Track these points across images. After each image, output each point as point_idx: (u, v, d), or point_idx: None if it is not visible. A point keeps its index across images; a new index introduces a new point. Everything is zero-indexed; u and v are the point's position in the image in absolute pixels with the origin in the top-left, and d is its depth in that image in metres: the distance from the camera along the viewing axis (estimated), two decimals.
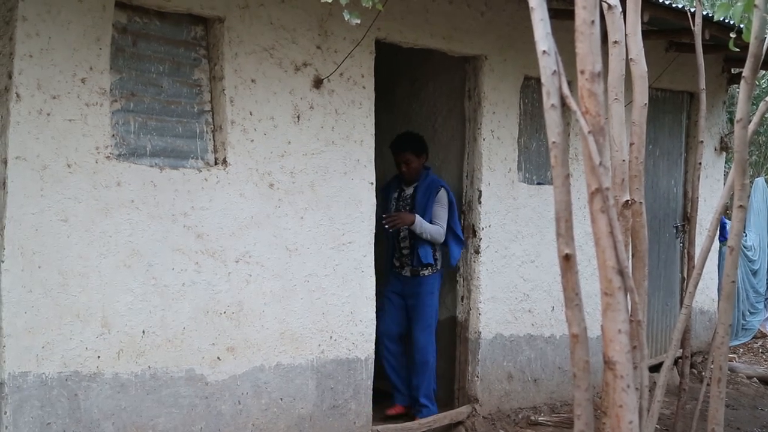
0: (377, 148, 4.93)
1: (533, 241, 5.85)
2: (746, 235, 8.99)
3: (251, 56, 4.21)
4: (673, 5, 5.40)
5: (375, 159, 4.87)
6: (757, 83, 10.41)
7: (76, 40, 3.60)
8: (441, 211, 5.32)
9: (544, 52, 1.94)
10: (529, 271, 5.78)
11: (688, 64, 6.49)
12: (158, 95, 3.98)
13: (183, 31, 4.09)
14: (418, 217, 5.28)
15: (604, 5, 2.50)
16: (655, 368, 6.40)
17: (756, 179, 9.62)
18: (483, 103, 5.46)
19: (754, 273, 9.18)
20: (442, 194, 5.33)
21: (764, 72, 9.81)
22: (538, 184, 5.98)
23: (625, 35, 2.77)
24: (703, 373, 5.83)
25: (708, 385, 4.55)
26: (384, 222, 5.31)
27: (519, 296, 5.76)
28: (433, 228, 5.30)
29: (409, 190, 5.45)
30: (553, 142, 1.95)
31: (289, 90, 4.38)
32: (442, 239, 5.32)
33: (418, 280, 5.40)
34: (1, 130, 3.45)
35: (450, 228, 5.34)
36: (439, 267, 5.43)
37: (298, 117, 4.42)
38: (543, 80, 1.96)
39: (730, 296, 2.98)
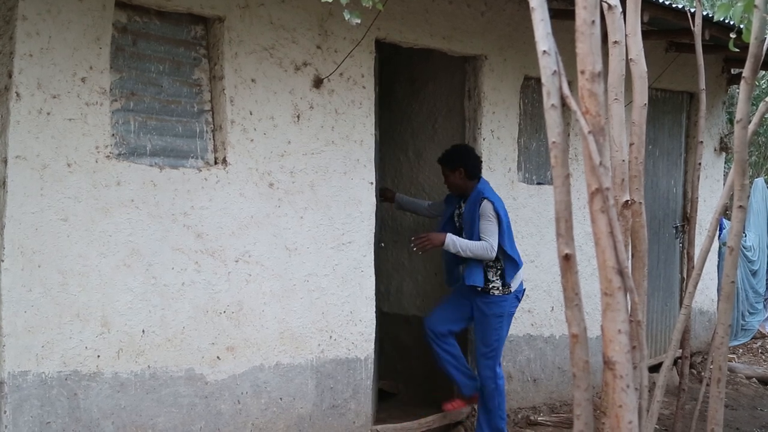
0: (377, 148, 4.93)
1: (533, 241, 5.85)
2: (746, 236, 9.00)
3: (251, 56, 4.21)
4: (673, 5, 5.40)
5: (375, 159, 4.87)
6: (757, 84, 10.41)
7: (76, 39, 3.60)
8: (487, 225, 4.90)
9: (544, 52, 1.94)
10: (529, 271, 5.78)
11: (688, 65, 6.51)
12: (158, 95, 3.98)
13: (183, 30, 4.09)
14: (449, 236, 4.93)
15: (605, 5, 2.50)
16: (654, 368, 6.41)
17: (755, 180, 9.62)
18: (483, 103, 5.47)
19: (754, 273, 9.18)
20: (486, 206, 4.92)
21: (764, 72, 9.81)
22: (538, 184, 5.98)
23: (625, 35, 2.77)
24: (703, 374, 5.84)
25: (707, 385, 4.55)
26: (412, 245, 5.08)
27: None
28: (474, 244, 4.90)
29: (464, 207, 5.15)
30: (553, 142, 1.95)
31: (289, 90, 4.38)
32: (490, 255, 4.89)
33: (487, 297, 5.03)
34: (1, 129, 3.45)
35: (499, 246, 4.93)
36: (512, 288, 5.02)
37: (298, 117, 4.42)
38: (543, 80, 1.96)
39: (730, 296, 2.97)
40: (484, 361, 5.04)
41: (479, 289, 5.07)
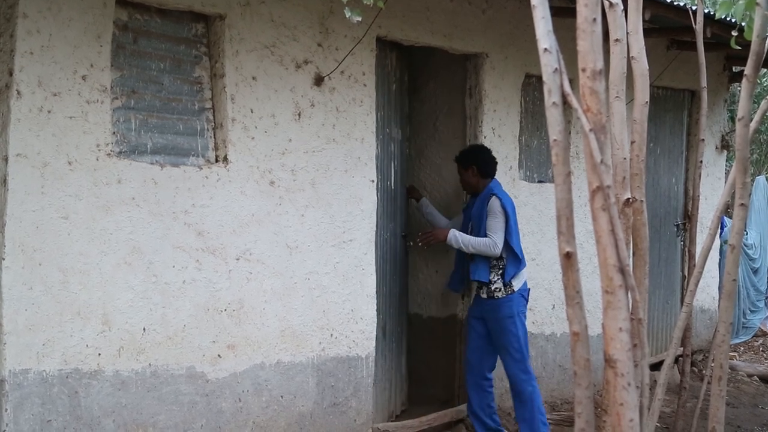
0: (403, 145, 4.90)
1: (534, 239, 5.85)
2: (747, 234, 8.99)
3: (252, 54, 4.21)
4: (675, 3, 5.39)
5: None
6: (759, 81, 10.40)
7: (77, 37, 3.60)
8: (493, 222, 4.93)
9: (545, 49, 1.94)
10: (530, 269, 5.77)
11: (690, 62, 6.49)
12: (159, 92, 3.98)
13: (184, 28, 4.08)
14: (451, 232, 5.01)
15: (606, 3, 2.50)
16: (655, 366, 6.41)
17: (757, 177, 9.63)
18: (484, 101, 5.46)
19: (755, 271, 9.18)
20: (493, 203, 4.96)
21: (766, 70, 9.80)
22: (539, 182, 5.97)
23: (627, 33, 2.76)
24: (704, 372, 5.84)
25: (709, 383, 4.55)
26: (418, 240, 5.21)
27: None
28: (477, 240, 4.95)
29: (474, 204, 5.17)
30: (555, 140, 1.94)
31: (290, 87, 4.37)
32: (493, 251, 4.92)
33: (493, 302, 5.02)
34: (1, 127, 3.45)
35: (505, 241, 4.96)
36: (515, 288, 5.01)
37: (299, 114, 4.42)
38: (544, 78, 1.95)
39: (731, 294, 2.97)
40: (515, 364, 4.96)
41: (484, 297, 5.06)
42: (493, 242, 4.92)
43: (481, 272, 5.00)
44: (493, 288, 5.02)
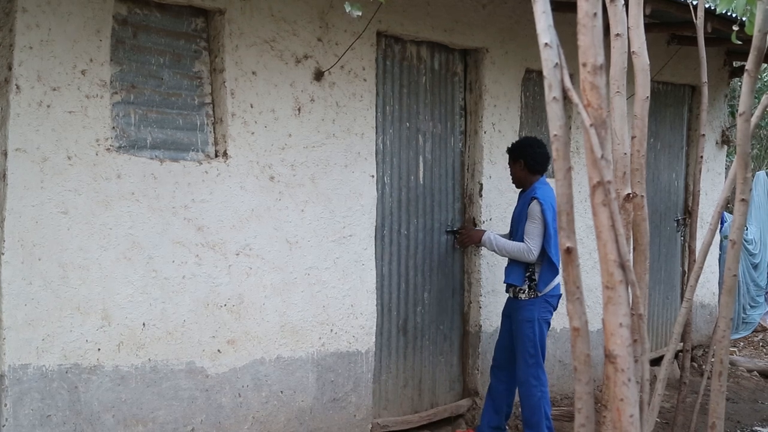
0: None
1: None
2: (747, 229, 8.99)
3: (252, 48, 4.20)
4: None
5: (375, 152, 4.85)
6: (760, 76, 10.39)
7: (77, 31, 3.59)
8: (531, 227, 4.75)
9: (546, 44, 1.93)
10: None
11: (690, 57, 6.49)
12: (158, 87, 3.97)
13: (183, 22, 4.08)
14: (486, 234, 4.91)
15: None
16: (655, 362, 6.42)
17: (757, 173, 9.62)
18: (484, 96, 5.45)
19: (755, 266, 9.18)
20: (533, 207, 4.76)
21: (767, 65, 9.78)
22: None
23: (628, 28, 2.76)
24: (704, 367, 5.84)
25: (709, 378, 4.56)
26: (456, 243, 5.18)
27: None
28: (511, 245, 4.82)
29: (517, 203, 5.05)
30: (555, 135, 1.94)
31: (290, 82, 4.37)
32: (528, 257, 4.76)
33: (516, 303, 4.91)
34: (1, 121, 3.45)
35: (542, 250, 4.79)
36: (539, 292, 4.85)
37: (299, 109, 4.41)
38: (545, 73, 1.95)
39: (732, 290, 2.96)
40: (527, 369, 4.83)
41: (510, 296, 4.99)
42: (528, 248, 4.76)
43: (515, 276, 4.88)
44: (518, 288, 4.92)
